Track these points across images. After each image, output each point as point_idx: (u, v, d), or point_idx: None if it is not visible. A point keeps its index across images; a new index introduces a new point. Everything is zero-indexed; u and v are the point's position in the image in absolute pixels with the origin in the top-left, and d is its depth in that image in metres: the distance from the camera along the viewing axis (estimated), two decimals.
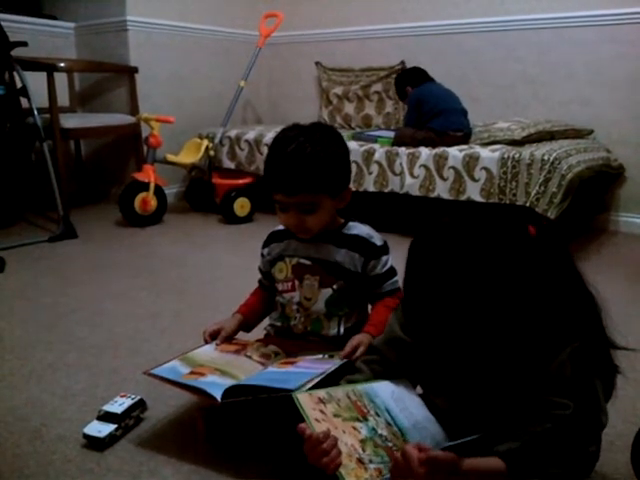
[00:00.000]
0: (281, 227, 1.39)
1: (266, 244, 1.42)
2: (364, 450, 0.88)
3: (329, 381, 1.08)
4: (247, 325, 1.42)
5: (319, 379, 1.08)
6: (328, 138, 1.27)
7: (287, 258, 1.36)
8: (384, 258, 1.33)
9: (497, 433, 0.87)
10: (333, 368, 1.13)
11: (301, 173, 1.20)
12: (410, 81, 3.19)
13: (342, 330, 1.32)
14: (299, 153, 1.21)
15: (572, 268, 0.89)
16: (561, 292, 0.86)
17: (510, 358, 0.89)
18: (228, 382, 1.14)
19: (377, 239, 1.33)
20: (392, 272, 1.34)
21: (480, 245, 0.83)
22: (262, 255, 1.43)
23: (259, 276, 1.48)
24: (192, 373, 1.19)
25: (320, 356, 1.25)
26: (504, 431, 0.87)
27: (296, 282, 1.34)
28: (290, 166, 1.21)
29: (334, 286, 1.31)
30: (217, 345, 1.34)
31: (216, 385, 1.12)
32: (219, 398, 1.09)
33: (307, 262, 1.33)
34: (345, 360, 1.19)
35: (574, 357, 0.86)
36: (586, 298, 0.89)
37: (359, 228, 1.35)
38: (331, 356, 1.24)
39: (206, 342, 1.36)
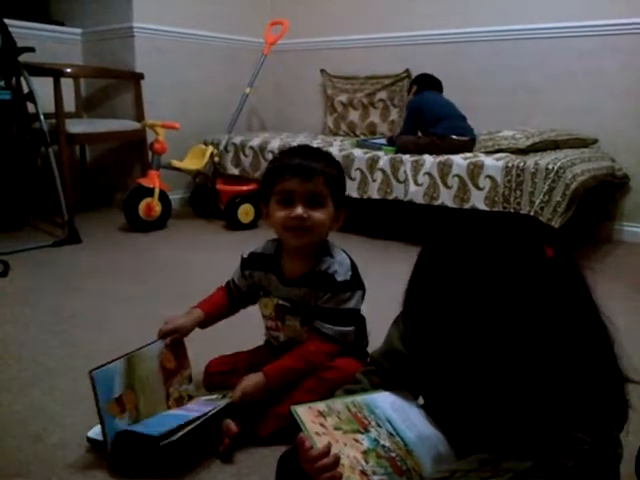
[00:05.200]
0: (258, 250, 1.38)
1: (248, 266, 1.39)
2: (367, 462, 0.87)
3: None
4: (204, 324, 1.39)
5: (193, 425, 1.14)
6: (334, 158, 1.34)
7: (272, 297, 1.35)
8: (344, 295, 1.26)
9: (505, 454, 0.86)
10: (213, 411, 1.18)
11: (318, 158, 1.25)
12: (419, 82, 3.26)
13: None
14: (310, 148, 1.32)
15: (588, 296, 0.84)
16: (573, 319, 0.82)
17: (515, 383, 0.87)
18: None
19: (342, 274, 1.26)
20: (345, 318, 1.26)
21: (492, 261, 0.80)
22: (243, 274, 1.40)
23: (231, 277, 1.46)
24: (117, 401, 1.19)
25: (215, 396, 1.29)
26: (513, 453, 0.85)
27: (279, 323, 1.34)
28: (307, 152, 1.28)
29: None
30: (166, 344, 1.32)
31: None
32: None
33: (286, 304, 1.32)
34: (228, 402, 1.22)
35: (588, 391, 0.84)
36: (599, 328, 0.85)
37: (328, 262, 1.28)
38: (224, 396, 1.26)
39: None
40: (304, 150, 1.30)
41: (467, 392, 0.93)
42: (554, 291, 0.80)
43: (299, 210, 1.21)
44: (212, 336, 1.59)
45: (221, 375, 1.38)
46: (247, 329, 1.53)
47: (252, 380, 1.23)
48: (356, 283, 1.29)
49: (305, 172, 1.21)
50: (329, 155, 1.31)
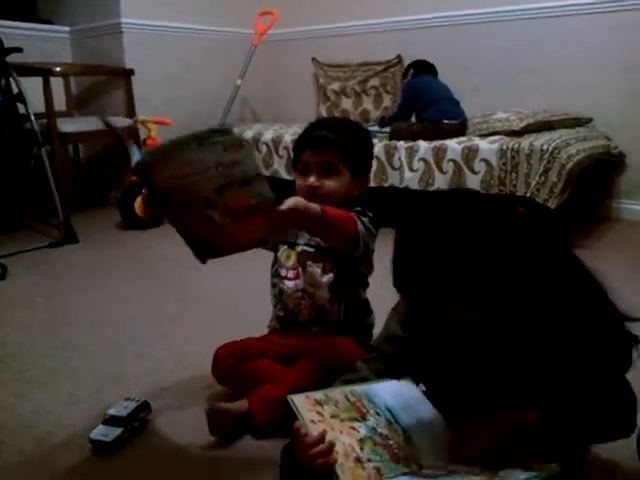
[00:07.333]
0: None
1: None
2: (362, 449, 0.87)
3: None
4: None
5: None
6: (358, 127, 1.44)
7: (296, 246, 1.38)
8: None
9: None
10: None
11: (332, 130, 1.32)
12: (415, 66, 3.29)
13: (342, 315, 1.37)
14: (332, 120, 1.46)
15: (566, 247, 0.88)
16: (559, 271, 0.85)
17: (516, 351, 0.88)
18: None
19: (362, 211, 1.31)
20: (360, 212, 1.29)
21: (469, 219, 0.82)
22: None
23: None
24: None
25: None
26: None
27: (300, 270, 1.37)
28: (323, 125, 1.38)
29: (335, 270, 1.35)
30: None
31: None
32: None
33: (310, 250, 1.36)
34: None
35: (598, 352, 0.86)
36: (587, 277, 0.88)
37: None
38: None
39: None
40: (324, 122, 1.45)
41: (467, 372, 0.94)
42: (533, 243, 0.83)
43: (311, 179, 1.31)
44: (213, 327, 1.59)
45: (233, 358, 1.35)
46: (248, 322, 1.53)
47: (305, 201, 1.11)
48: (369, 215, 1.31)
49: (316, 143, 1.31)
50: (350, 125, 1.41)
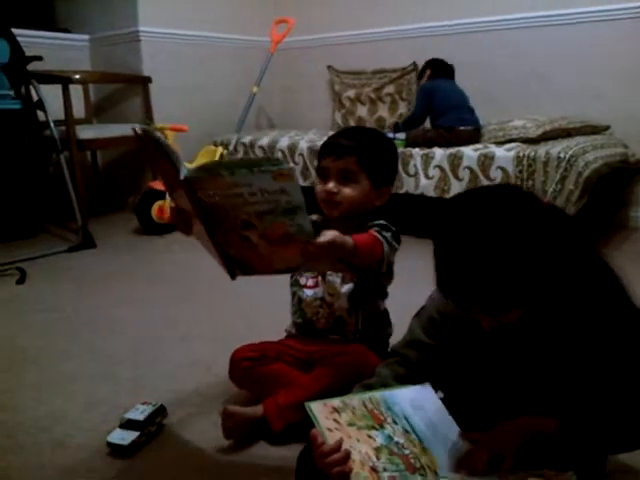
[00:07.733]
0: (313, 218, 1.38)
1: None
2: (378, 458, 0.87)
3: None
4: None
5: None
6: (382, 136, 1.44)
7: None
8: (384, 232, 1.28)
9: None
10: None
11: (353, 138, 1.32)
12: (433, 66, 3.27)
13: (360, 325, 1.36)
14: (354, 129, 1.45)
15: (587, 240, 0.90)
16: (582, 263, 0.86)
17: (543, 356, 0.88)
18: None
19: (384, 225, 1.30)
20: (384, 227, 1.29)
21: (503, 213, 0.82)
22: None
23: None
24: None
25: None
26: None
27: (319, 278, 1.37)
28: (343, 133, 1.40)
29: (355, 280, 1.34)
30: None
31: None
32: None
33: None
34: None
35: (618, 350, 0.86)
36: (607, 270, 0.88)
37: (376, 222, 1.31)
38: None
39: None
40: (347, 130, 1.47)
41: (491, 379, 0.94)
42: (559, 234, 0.84)
43: (330, 185, 1.30)
44: (231, 332, 1.60)
45: (250, 361, 1.36)
46: (266, 327, 1.53)
47: (341, 235, 1.10)
48: (392, 230, 1.29)
49: (336, 151, 1.31)
50: (372, 134, 1.40)
